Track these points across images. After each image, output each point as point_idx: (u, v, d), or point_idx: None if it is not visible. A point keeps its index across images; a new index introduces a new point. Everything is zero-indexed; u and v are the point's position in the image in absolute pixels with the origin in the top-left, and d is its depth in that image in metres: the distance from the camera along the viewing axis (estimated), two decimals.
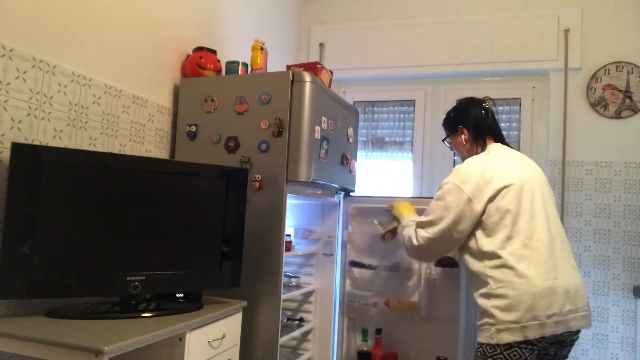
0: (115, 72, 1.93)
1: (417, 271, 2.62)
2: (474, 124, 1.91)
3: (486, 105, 1.93)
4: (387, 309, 2.62)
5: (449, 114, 2.04)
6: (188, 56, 2.35)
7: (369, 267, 2.72)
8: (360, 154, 3.51)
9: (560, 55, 3.16)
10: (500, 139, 1.92)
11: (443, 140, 2.07)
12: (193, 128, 2.22)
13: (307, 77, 2.07)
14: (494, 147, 1.87)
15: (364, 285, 2.73)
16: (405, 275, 2.67)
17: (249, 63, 2.36)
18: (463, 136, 1.93)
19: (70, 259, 1.49)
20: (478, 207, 1.68)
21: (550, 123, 3.17)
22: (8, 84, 1.50)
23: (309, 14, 3.75)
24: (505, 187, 1.68)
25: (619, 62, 3.06)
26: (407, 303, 2.60)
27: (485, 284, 1.65)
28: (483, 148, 1.88)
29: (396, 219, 2.22)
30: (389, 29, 3.53)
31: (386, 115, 3.67)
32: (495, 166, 1.75)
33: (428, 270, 2.58)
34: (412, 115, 3.59)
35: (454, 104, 3.43)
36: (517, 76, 3.38)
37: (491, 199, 1.68)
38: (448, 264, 2.55)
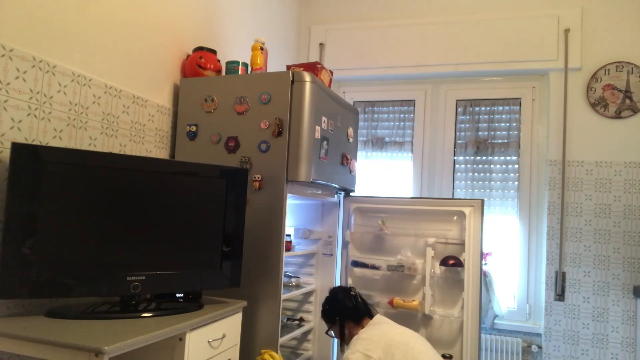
0: (115, 72, 1.93)
1: (421, 270, 2.62)
2: (349, 313, 2.06)
3: (353, 293, 2.13)
4: (391, 308, 2.63)
5: (324, 306, 2.17)
6: (188, 56, 2.35)
7: (372, 267, 2.73)
8: (360, 154, 3.51)
9: (560, 55, 3.16)
10: (370, 312, 2.09)
11: (326, 332, 2.19)
12: (193, 128, 2.22)
13: (307, 77, 2.07)
14: (374, 320, 2.04)
15: (366, 285, 2.74)
16: (409, 275, 2.67)
17: (249, 63, 2.36)
18: (340, 325, 2.06)
19: (70, 259, 1.49)
20: None
21: (550, 123, 3.17)
22: (8, 84, 1.50)
23: (309, 14, 3.75)
24: (408, 345, 1.81)
25: (619, 62, 3.06)
26: (411, 302, 2.60)
27: None
28: (362, 325, 2.02)
29: None
30: (389, 29, 3.53)
31: (386, 115, 3.67)
32: (389, 332, 1.91)
33: (432, 270, 2.59)
34: (412, 115, 3.59)
35: (454, 104, 3.48)
36: (517, 76, 3.38)
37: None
38: (451, 262, 2.55)
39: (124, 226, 1.61)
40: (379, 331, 1.92)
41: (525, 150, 3.31)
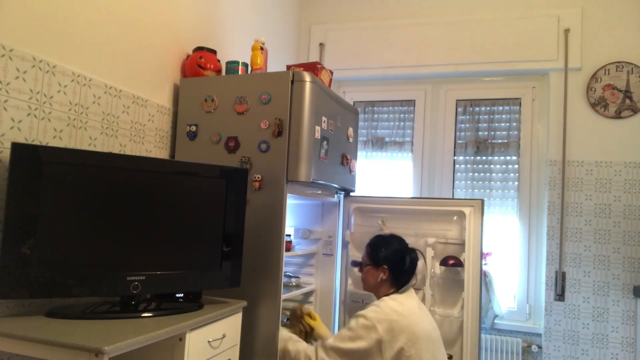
0: (115, 72, 1.93)
1: (421, 270, 2.62)
2: (398, 271, 2.02)
3: (416, 257, 2.07)
4: None
5: (378, 246, 2.08)
6: (188, 56, 2.35)
7: None
8: (360, 154, 3.51)
9: (560, 55, 3.16)
10: (410, 283, 2.05)
11: (355, 265, 2.13)
12: (193, 128, 2.22)
13: (307, 77, 2.07)
14: (408, 296, 1.98)
15: None
16: None
17: (249, 63, 2.36)
18: (382, 275, 2.01)
19: (70, 259, 1.49)
20: (387, 354, 1.77)
21: (550, 123, 3.17)
22: (8, 84, 1.50)
23: (309, 14, 3.75)
24: (416, 339, 1.79)
25: (619, 62, 3.06)
26: None
27: None
28: (394, 291, 2.00)
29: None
30: (389, 29, 3.53)
31: (386, 115, 3.67)
32: (410, 314, 1.86)
33: (432, 270, 2.59)
34: (412, 115, 3.59)
35: (454, 104, 3.48)
36: (517, 76, 3.38)
37: (402, 349, 1.77)
38: (451, 262, 2.55)
39: (124, 226, 1.61)
40: (405, 309, 1.87)
41: (525, 150, 3.31)
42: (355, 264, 2.13)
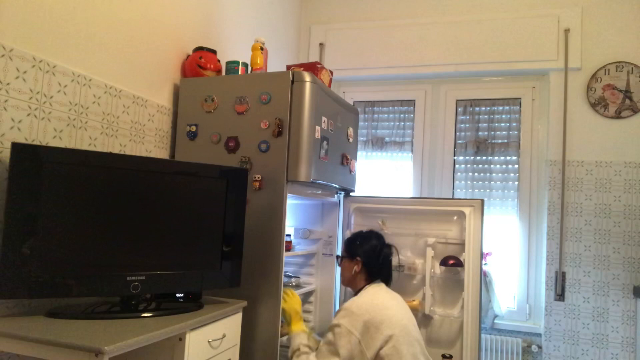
0: (115, 72, 1.93)
1: (421, 270, 2.62)
2: (371, 264, 2.07)
3: (388, 251, 2.12)
4: None
5: (354, 239, 2.16)
6: (188, 56, 2.35)
7: None
8: (360, 154, 3.51)
9: (560, 55, 3.16)
10: (387, 279, 2.10)
11: (336, 257, 2.20)
12: (193, 128, 2.22)
13: (307, 77, 2.07)
14: (378, 288, 2.02)
15: None
16: (409, 275, 2.67)
17: (249, 63, 2.36)
18: (356, 267, 2.07)
19: (70, 259, 1.49)
20: (368, 353, 1.80)
21: (550, 123, 3.17)
22: (8, 84, 1.50)
23: (309, 14, 3.75)
24: (392, 334, 1.81)
25: (619, 62, 3.06)
26: (411, 302, 2.60)
27: None
28: (368, 283, 2.04)
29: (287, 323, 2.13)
30: (389, 29, 3.53)
31: (386, 115, 3.67)
32: (382, 310, 1.88)
33: (432, 270, 2.59)
34: (412, 115, 3.59)
35: (454, 104, 3.48)
36: (517, 76, 3.38)
37: (381, 347, 1.79)
38: (451, 262, 2.55)
39: (124, 226, 1.61)
40: (377, 305, 1.89)
41: (525, 150, 3.31)
42: (337, 257, 2.20)
